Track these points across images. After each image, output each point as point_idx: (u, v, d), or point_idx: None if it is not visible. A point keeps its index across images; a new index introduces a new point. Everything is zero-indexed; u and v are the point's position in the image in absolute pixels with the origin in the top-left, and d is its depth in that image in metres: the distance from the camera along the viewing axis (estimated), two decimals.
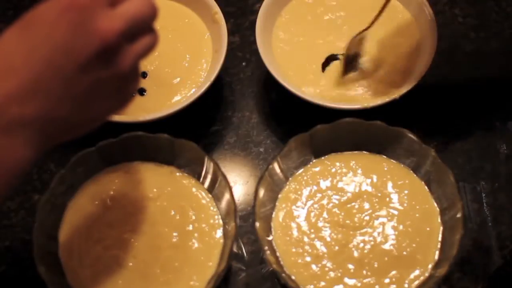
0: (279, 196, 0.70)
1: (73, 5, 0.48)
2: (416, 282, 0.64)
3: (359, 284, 0.65)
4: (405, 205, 0.68)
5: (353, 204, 0.69)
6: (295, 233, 0.68)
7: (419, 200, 0.69)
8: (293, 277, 0.65)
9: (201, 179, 0.70)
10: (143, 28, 0.53)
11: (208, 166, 0.69)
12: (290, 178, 0.71)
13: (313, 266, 0.66)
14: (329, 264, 0.66)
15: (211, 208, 0.69)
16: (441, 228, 0.67)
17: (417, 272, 0.65)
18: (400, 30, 0.80)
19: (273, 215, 0.69)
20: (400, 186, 0.70)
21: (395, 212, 0.68)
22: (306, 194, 0.70)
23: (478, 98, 0.80)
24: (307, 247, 0.67)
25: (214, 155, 0.78)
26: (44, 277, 0.63)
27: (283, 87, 0.75)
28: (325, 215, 0.68)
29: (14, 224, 0.74)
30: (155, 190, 0.70)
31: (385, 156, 0.71)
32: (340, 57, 0.79)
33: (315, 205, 0.69)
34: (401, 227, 0.67)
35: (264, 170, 0.68)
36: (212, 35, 0.81)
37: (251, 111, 0.81)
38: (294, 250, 0.67)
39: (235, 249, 0.71)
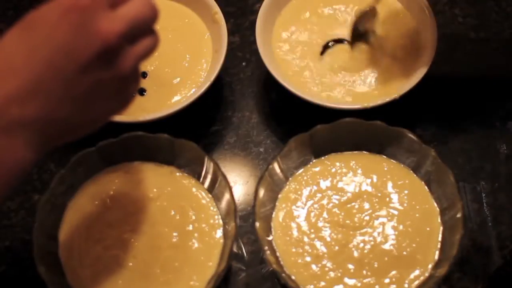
0: (279, 196, 0.70)
1: (74, 7, 0.49)
2: (416, 282, 0.64)
3: (359, 284, 0.65)
4: (405, 205, 0.68)
5: (353, 204, 0.69)
6: (295, 233, 0.68)
7: (419, 200, 0.69)
8: (293, 277, 0.65)
9: (201, 179, 0.70)
10: (144, 30, 0.53)
11: (208, 166, 0.69)
12: (290, 178, 0.71)
13: (313, 266, 0.66)
14: (329, 264, 0.66)
15: (211, 208, 0.69)
16: (441, 228, 0.67)
17: (417, 272, 0.65)
18: (401, 31, 0.80)
19: (273, 215, 0.69)
20: (400, 186, 0.70)
21: (395, 212, 0.68)
22: (306, 194, 0.70)
23: (478, 98, 0.80)
24: (307, 247, 0.67)
25: (214, 155, 0.78)
26: (44, 277, 0.63)
27: (283, 87, 0.75)
28: (325, 215, 0.68)
29: (14, 224, 0.74)
30: (155, 190, 0.70)
31: (385, 156, 0.71)
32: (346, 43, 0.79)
33: (315, 205, 0.69)
34: (401, 227, 0.67)
35: (264, 170, 0.68)
36: (212, 35, 0.81)
37: (251, 111, 0.81)
38: (294, 250, 0.67)
39: (235, 249, 0.71)
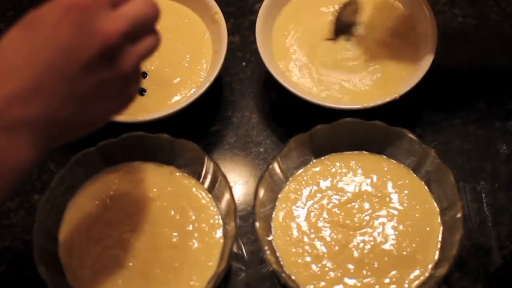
0: (279, 196, 0.70)
1: (75, 6, 0.49)
2: (416, 282, 0.64)
3: (359, 284, 0.65)
4: (405, 205, 0.69)
5: (353, 204, 0.69)
6: (295, 233, 0.68)
7: (419, 200, 0.69)
8: (293, 277, 0.65)
9: (201, 179, 0.70)
10: (145, 29, 0.53)
11: (208, 166, 0.69)
12: (290, 178, 0.71)
13: (313, 266, 0.66)
14: (329, 264, 0.66)
15: (211, 208, 0.69)
16: (441, 228, 0.67)
17: (417, 272, 0.65)
18: (398, 29, 0.80)
19: (273, 215, 0.69)
20: (400, 186, 0.70)
21: (395, 212, 0.68)
22: (306, 194, 0.70)
23: (478, 98, 0.80)
24: (307, 247, 0.67)
25: (214, 155, 0.78)
26: (44, 277, 0.63)
27: (283, 87, 0.75)
28: (325, 215, 0.68)
29: (14, 224, 0.74)
30: (155, 190, 0.70)
31: (385, 156, 0.71)
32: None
33: (315, 205, 0.69)
34: (401, 227, 0.67)
35: (264, 170, 0.68)
36: (212, 35, 0.81)
37: (251, 111, 0.81)
38: (294, 250, 0.67)
39: (235, 249, 0.71)
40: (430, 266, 0.65)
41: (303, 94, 0.74)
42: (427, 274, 0.65)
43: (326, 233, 0.68)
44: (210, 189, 0.70)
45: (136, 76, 0.54)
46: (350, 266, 0.66)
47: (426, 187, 0.69)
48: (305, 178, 0.71)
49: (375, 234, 0.67)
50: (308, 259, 0.66)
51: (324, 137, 0.70)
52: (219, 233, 0.68)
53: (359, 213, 0.68)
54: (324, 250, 0.67)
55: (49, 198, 0.67)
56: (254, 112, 0.80)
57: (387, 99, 0.73)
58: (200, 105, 0.76)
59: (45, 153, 0.51)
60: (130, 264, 0.66)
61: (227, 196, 0.67)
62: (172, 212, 0.69)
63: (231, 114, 0.80)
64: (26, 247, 0.68)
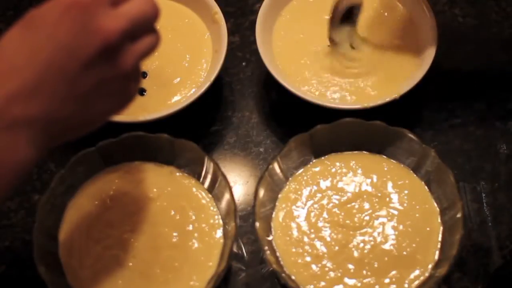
0: (279, 196, 0.70)
1: (76, 5, 0.49)
2: (416, 282, 0.64)
3: (359, 284, 0.65)
4: (405, 205, 0.68)
5: (353, 204, 0.69)
6: (295, 233, 0.68)
7: (419, 200, 0.69)
8: (293, 277, 0.65)
9: (201, 179, 0.70)
10: (145, 28, 0.53)
11: (208, 166, 0.69)
12: (290, 178, 0.71)
13: (313, 266, 0.66)
14: (329, 264, 0.66)
15: (211, 208, 0.69)
16: (441, 228, 0.67)
17: (417, 272, 0.65)
18: (399, 30, 0.80)
19: (273, 215, 0.69)
20: (400, 186, 0.70)
21: (395, 212, 0.68)
22: (306, 194, 0.70)
23: (478, 98, 0.80)
24: (307, 247, 0.67)
25: (214, 155, 0.78)
26: (44, 277, 0.63)
27: (283, 87, 0.75)
28: (325, 215, 0.68)
29: (14, 224, 0.74)
30: (155, 190, 0.70)
31: (385, 156, 0.71)
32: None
33: (315, 205, 0.69)
34: (401, 227, 0.67)
35: (264, 170, 0.68)
36: (212, 35, 0.81)
37: (251, 111, 0.81)
38: (294, 250, 0.67)
39: (235, 249, 0.71)
40: (430, 266, 0.65)
41: (303, 94, 0.74)
42: (427, 274, 0.65)
43: (326, 233, 0.68)
44: (210, 189, 0.70)
45: (136, 75, 0.54)
46: (350, 266, 0.66)
47: (426, 187, 0.69)
48: (305, 178, 0.71)
49: (375, 234, 0.67)
50: (308, 259, 0.66)
51: (324, 137, 0.70)
52: (219, 233, 0.68)
53: (359, 213, 0.68)
54: (324, 250, 0.67)
55: (49, 198, 0.67)
56: (254, 112, 0.80)
57: (387, 99, 0.73)
58: (200, 105, 0.76)
59: (45, 152, 0.51)
60: (130, 264, 0.66)
61: (227, 196, 0.67)
62: (172, 212, 0.69)
63: (231, 114, 0.80)
64: (26, 247, 0.68)
